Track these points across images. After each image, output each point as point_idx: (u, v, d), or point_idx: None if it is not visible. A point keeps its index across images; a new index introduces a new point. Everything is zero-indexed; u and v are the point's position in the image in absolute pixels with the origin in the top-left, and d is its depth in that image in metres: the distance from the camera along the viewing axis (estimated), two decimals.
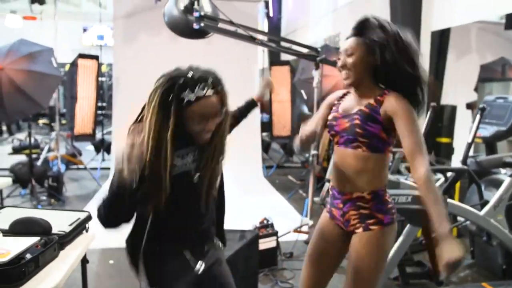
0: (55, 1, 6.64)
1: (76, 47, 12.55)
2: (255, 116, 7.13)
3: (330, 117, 1.81)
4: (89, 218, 2.08)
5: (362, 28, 1.67)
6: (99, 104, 8.05)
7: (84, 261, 2.06)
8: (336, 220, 1.80)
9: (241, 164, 6.70)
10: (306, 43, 5.26)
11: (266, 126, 7.76)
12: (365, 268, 1.68)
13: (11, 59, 4.43)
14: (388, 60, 1.61)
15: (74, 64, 5.99)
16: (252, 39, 3.64)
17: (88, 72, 6.17)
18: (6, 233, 1.81)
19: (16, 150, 6.39)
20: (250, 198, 5.48)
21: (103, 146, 7.51)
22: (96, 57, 6.26)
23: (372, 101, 1.67)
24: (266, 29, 11.21)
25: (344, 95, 1.86)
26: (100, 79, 7.19)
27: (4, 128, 10.85)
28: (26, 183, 5.32)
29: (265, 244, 3.49)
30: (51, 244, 1.73)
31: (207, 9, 3.59)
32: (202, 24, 3.46)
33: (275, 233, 3.59)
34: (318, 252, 1.85)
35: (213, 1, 3.77)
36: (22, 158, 6.04)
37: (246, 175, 6.50)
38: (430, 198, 1.51)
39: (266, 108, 7.07)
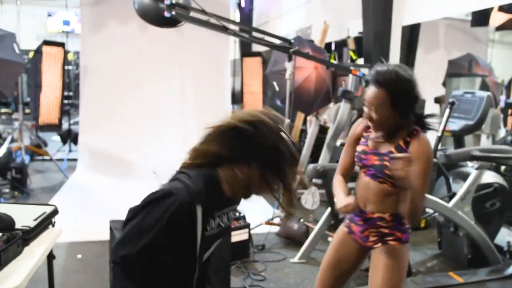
0: None
1: (41, 33, 12.08)
2: (226, 107, 7.07)
3: (359, 148, 1.86)
4: (55, 212, 2.00)
5: (383, 80, 1.70)
6: (66, 93, 7.81)
7: (51, 256, 1.97)
8: (354, 235, 1.90)
9: None
10: (279, 35, 5.24)
11: None
12: (389, 277, 1.77)
13: None
14: (404, 106, 1.72)
15: (38, 51, 5.75)
16: (224, 29, 3.58)
17: (54, 59, 5.94)
18: None
19: None
20: None
21: (69, 137, 7.28)
22: (62, 44, 6.03)
23: (401, 142, 1.75)
24: (237, 20, 11.13)
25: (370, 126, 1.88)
26: (66, 67, 6.95)
27: None
28: None
29: (237, 236, 3.47)
30: (15, 240, 1.64)
31: None
32: (173, 13, 3.38)
33: (247, 225, 3.57)
34: (335, 260, 1.95)
35: None
36: None
37: None
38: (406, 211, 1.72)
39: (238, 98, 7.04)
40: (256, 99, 7.14)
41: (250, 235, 3.63)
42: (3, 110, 10.30)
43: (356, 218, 1.88)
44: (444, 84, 6.00)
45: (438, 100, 6.04)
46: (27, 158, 6.41)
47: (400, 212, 1.79)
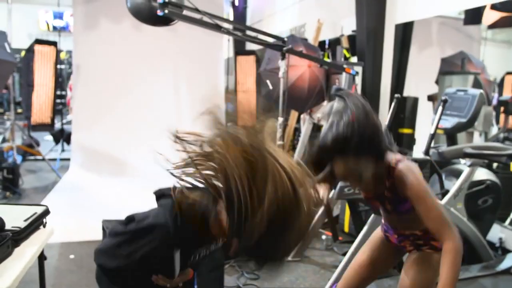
0: None
1: (33, 32, 11.99)
2: (220, 105, 7.05)
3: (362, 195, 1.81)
4: (46, 212, 1.98)
5: (340, 149, 1.48)
6: (58, 92, 7.74)
7: (42, 257, 1.96)
8: (391, 243, 1.86)
9: None
10: (272, 33, 5.22)
11: (231, 116, 7.69)
12: (420, 281, 1.73)
13: None
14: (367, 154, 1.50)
15: (30, 50, 5.70)
16: (218, 28, 3.56)
17: (46, 58, 5.88)
18: None
19: None
20: None
21: (62, 136, 7.23)
22: (54, 43, 5.98)
23: (387, 183, 1.60)
24: (231, 18, 11.09)
25: None
26: (59, 66, 6.89)
27: None
28: None
29: None
30: (4, 241, 1.62)
31: None
32: (166, 11, 3.35)
33: None
34: (371, 258, 1.90)
35: None
36: None
37: None
38: (451, 270, 1.46)
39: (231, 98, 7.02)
40: (249, 98, 7.13)
41: None
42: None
43: (390, 232, 1.83)
44: (437, 82, 6.02)
45: (431, 98, 6.05)
46: (19, 158, 6.36)
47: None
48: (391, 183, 1.58)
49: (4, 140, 6.08)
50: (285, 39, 3.89)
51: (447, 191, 3.46)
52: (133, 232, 1.28)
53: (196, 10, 3.49)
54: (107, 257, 1.35)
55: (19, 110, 7.71)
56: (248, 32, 4.31)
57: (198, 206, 1.17)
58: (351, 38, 5.84)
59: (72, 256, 3.61)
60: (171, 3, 3.40)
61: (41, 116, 6.02)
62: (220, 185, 1.07)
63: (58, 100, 7.52)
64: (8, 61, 4.45)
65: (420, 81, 6.32)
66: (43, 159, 6.36)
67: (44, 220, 1.96)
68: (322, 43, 6.80)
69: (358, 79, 5.03)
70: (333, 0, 6.79)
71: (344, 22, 6.21)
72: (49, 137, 7.79)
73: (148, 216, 1.28)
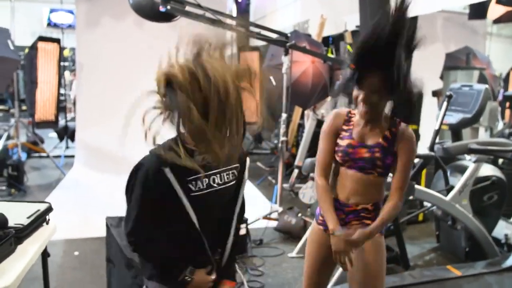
0: None
1: (36, 29, 12.00)
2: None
3: (342, 142, 1.77)
4: (49, 209, 1.97)
5: (385, 59, 1.59)
6: (62, 90, 7.77)
7: (45, 254, 1.95)
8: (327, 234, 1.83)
9: None
10: (277, 28, 5.18)
11: None
12: (374, 273, 1.79)
13: None
14: (401, 95, 1.67)
15: (33, 48, 5.70)
16: (220, 23, 3.55)
17: (49, 56, 5.89)
18: None
19: None
20: None
21: (66, 133, 7.24)
22: (57, 40, 5.98)
23: (387, 133, 1.74)
24: (234, 14, 11.06)
25: (349, 117, 1.81)
26: (62, 63, 6.90)
27: None
28: None
29: None
30: (7, 238, 1.62)
31: None
32: (168, 7, 3.34)
33: (244, 221, 3.56)
34: (319, 263, 1.91)
35: None
36: None
37: None
38: (385, 218, 1.72)
39: None
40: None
41: (248, 230, 3.61)
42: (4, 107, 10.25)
43: (336, 212, 1.78)
44: (441, 77, 5.98)
45: (435, 94, 6.02)
46: (24, 155, 6.38)
47: (379, 201, 1.80)
48: (393, 133, 1.73)
49: (9, 138, 6.09)
50: (288, 35, 3.87)
51: (452, 187, 3.44)
52: (129, 177, 1.45)
53: (199, 6, 3.48)
54: (129, 218, 1.41)
55: (24, 107, 7.73)
56: (252, 28, 4.29)
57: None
58: (355, 34, 5.81)
59: (76, 253, 3.62)
60: None
61: (45, 113, 6.03)
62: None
63: (61, 97, 7.52)
64: (11, 59, 4.46)
65: (425, 77, 6.28)
66: (47, 156, 6.38)
67: (47, 217, 1.95)
68: (325, 39, 6.78)
69: None
70: None
71: (347, 18, 6.17)
72: (53, 134, 7.80)
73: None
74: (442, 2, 4.79)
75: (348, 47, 5.76)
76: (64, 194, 5.14)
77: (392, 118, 1.74)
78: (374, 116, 1.72)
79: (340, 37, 6.44)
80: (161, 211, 1.39)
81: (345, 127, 1.80)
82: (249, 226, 3.65)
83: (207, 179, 1.43)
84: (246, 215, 3.58)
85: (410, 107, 1.72)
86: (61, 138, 7.35)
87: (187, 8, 3.57)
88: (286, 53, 3.84)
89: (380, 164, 1.73)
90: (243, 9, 10.90)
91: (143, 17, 3.54)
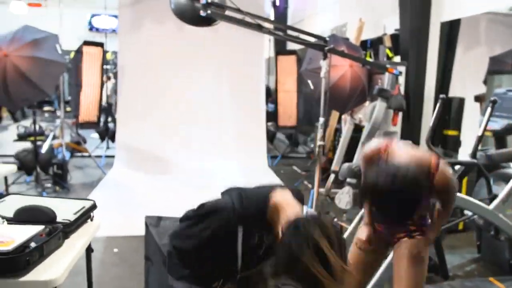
0: None
1: (82, 34, 12.49)
2: (260, 106, 7.08)
3: None
4: (94, 207, 2.06)
5: None
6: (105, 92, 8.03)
7: (89, 250, 2.04)
8: None
9: (246, 153, 6.70)
10: (315, 32, 5.14)
11: (272, 115, 7.71)
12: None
13: (15, 46, 4.38)
14: None
15: (79, 51, 5.95)
16: (259, 28, 3.58)
17: (93, 59, 6.13)
18: (11, 221, 1.79)
19: (21, 137, 6.37)
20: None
21: (107, 134, 7.49)
22: (101, 44, 6.21)
23: None
24: (272, 18, 11.10)
25: None
26: (105, 66, 7.15)
27: (4, 114, 10.87)
28: (31, 170, 5.32)
29: None
30: (56, 233, 1.70)
31: None
32: (208, 11, 3.40)
33: None
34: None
35: None
36: (27, 145, 6.03)
37: (251, 165, 6.48)
38: None
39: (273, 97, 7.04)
40: (290, 98, 7.12)
41: None
42: (46, 108, 10.71)
43: None
44: (485, 82, 5.78)
45: (478, 99, 5.82)
46: (67, 155, 6.65)
47: None
48: None
49: (54, 137, 6.36)
50: (327, 38, 3.85)
51: (495, 196, 3.31)
52: (202, 214, 1.43)
53: (238, 10, 3.52)
54: (181, 239, 1.47)
55: (68, 109, 8.05)
56: (289, 32, 4.30)
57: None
58: (394, 37, 5.71)
59: (116, 250, 3.74)
60: (213, 3, 3.45)
61: (88, 114, 6.28)
62: None
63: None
64: (59, 62, 4.66)
65: (467, 81, 6.08)
66: (89, 156, 6.62)
67: (91, 214, 2.04)
68: (364, 43, 6.70)
69: (402, 79, 4.90)
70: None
71: (386, 21, 6.08)
72: (95, 135, 8.09)
73: (216, 202, 1.46)
74: (486, 4, 4.65)
75: (387, 50, 5.67)
76: (105, 193, 5.32)
77: None
78: None
79: (379, 41, 6.34)
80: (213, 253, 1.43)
81: None
82: None
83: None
84: None
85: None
86: (102, 138, 7.61)
87: (227, 12, 3.63)
88: (325, 57, 3.82)
89: None
90: (281, 13, 10.93)
91: (184, 22, 3.62)
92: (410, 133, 5.05)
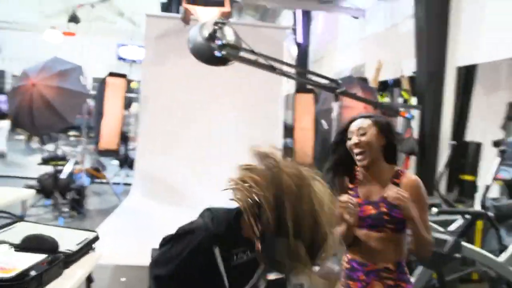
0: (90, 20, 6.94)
1: (112, 62, 12.99)
2: (278, 140, 7.15)
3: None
4: (96, 238, 2.14)
5: (368, 115, 1.82)
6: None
7: (89, 280, 2.11)
8: None
9: None
10: (333, 71, 5.24)
11: (289, 151, 7.76)
12: None
13: (43, 76, 4.64)
14: (390, 139, 1.78)
15: (103, 82, 6.20)
16: (272, 69, 3.70)
17: (116, 89, 6.36)
18: (17, 247, 1.89)
19: (45, 161, 6.60)
20: None
21: (126, 162, 7.66)
22: (124, 76, 6.46)
23: (390, 185, 1.74)
24: (294, 55, 11.34)
25: (354, 177, 1.84)
26: (129, 95, 7.39)
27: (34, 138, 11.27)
28: (50, 194, 5.49)
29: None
30: (57, 262, 1.79)
31: (230, 37, 3.68)
32: (223, 52, 3.55)
33: None
34: None
35: (241, 27, 3.86)
36: (50, 169, 6.22)
37: None
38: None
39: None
40: (306, 136, 7.17)
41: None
42: (71, 133, 11.05)
43: (355, 273, 1.78)
44: (503, 127, 5.72)
45: (497, 144, 5.75)
46: (87, 180, 6.81)
47: (402, 259, 1.76)
48: (395, 184, 1.73)
49: (76, 163, 6.56)
50: (339, 80, 3.94)
51: (505, 247, 3.25)
52: (178, 235, 1.44)
53: (252, 51, 3.66)
54: (161, 265, 1.45)
55: (91, 135, 8.31)
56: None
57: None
58: (412, 79, 5.76)
59: (123, 279, 3.78)
60: (229, 45, 3.59)
61: (109, 142, 6.46)
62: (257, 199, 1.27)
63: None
64: (81, 93, 4.89)
65: (487, 126, 6.02)
66: (107, 183, 6.77)
67: (93, 245, 2.12)
68: (384, 83, 6.77)
69: (415, 123, 4.91)
70: (393, 41, 6.76)
71: (405, 62, 6.14)
72: (115, 162, 8.28)
73: (191, 223, 1.47)
74: (503, 50, 4.66)
75: (403, 93, 5.71)
76: (118, 220, 5.39)
77: (392, 170, 1.78)
78: (371, 163, 1.74)
79: (396, 82, 6.41)
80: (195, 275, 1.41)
81: (350, 186, 1.83)
82: None
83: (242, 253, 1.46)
84: None
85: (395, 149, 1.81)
86: (121, 166, 7.79)
87: (242, 53, 3.77)
88: (336, 99, 3.90)
89: (388, 219, 1.71)
90: (303, 51, 11.16)
91: (201, 61, 3.78)
92: (425, 177, 5.00)
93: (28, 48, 12.41)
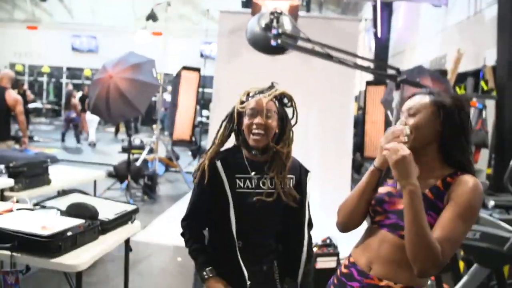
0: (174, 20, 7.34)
1: (196, 59, 13.63)
2: (348, 137, 7.00)
3: (383, 190, 1.42)
4: (135, 211, 2.30)
5: (430, 92, 1.40)
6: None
7: (127, 249, 2.27)
8: None
9: (330, 183, 6.62)
10: (412, 64, 4.98)
11: (358, 145, 7.57)
12: None
13: (119, 69, 5.02)
14: (451, 128, 1.35)
15: (178, 75, 6.54)
16: (329, 57, 3.65)
17: (190, 83, 6.68)
18: (63, 213, 2.09)
19: (124, 150, 7.14)
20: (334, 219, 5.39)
21: (199, 153, 8.01)
22: (197, 70, 6.74)
23: (439, 182, 1.33)
24: (372, 49, 10.97)
25: None
26: (203, 90, 7.71)
27: (122, 129, 12.21)
28: (123, 178, 5.92)
29: (323, 263, 3.43)
30: (93, 227, 1.95)
31: (287, 27, 3.70)
32: (279, 41, 3.58)
33: (336, 254, 3.50)
34: None
35: (313, 20, 3.86)
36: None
37: (333, 195, 6.38)
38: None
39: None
40: (377, 129, 6.94)
41: (338, 263, 3.54)
42: (154, 126, 11.80)
43: (350, 283, 1.39)
44: None
45: None
46: (162, 169, 7.23)
47: (414, 285, 1.32)
48: (446, 184, 1.32)
49: (151, 151, 7.00)
50: (399, 69, 3.77)
51: None
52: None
53: (308, 40, 3.64)
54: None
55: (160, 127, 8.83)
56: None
57: None
58: (494, 69, 5.31)
59: (179, 259, 3.99)
60: (284, 34, 3.61)
61: (182, 133, 6.81)
62: None
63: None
64: (153, 84, 5.21)
65: None
66: (179, 171, 7.13)
67: (132, 216, 2.27)
68: (463, 75, 6.30)
69: (491, 115, 4.52)
70: (475, 29, 6.27)
71: (488, 53, 5.68)
72: (189, 152, 8.69)
73: None
74: None
75: (483, 83, 5.29)
76: (184, 207, 5.67)
77: (447, 163, 1.36)
78: (415, 149, 1.30)
79: (475, 73, 5.94)
80: (210, 200, 1.63)
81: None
82: (341, 261, 3.57)
83: (256, 180, 1.61)
84: (341, 249, 3.52)
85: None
86: (194, 156, 8.15)
87: (299, 42, 3.77)
88: (397, 88, 3.74)
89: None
90: (383, 44, 10.74)
91: (258, 50, 3.85)
92: (499, 173, 4.60)
93: (120, 48, 13.45)
